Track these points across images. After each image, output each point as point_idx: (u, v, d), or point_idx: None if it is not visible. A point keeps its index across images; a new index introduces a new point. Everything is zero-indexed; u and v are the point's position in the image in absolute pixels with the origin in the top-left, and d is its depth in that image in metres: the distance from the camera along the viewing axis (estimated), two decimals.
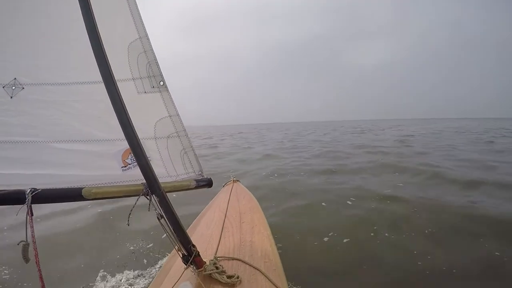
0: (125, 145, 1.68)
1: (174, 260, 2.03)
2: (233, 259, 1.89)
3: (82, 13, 1.50)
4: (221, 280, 1.62)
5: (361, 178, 7.93)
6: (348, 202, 5.69)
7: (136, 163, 1.69)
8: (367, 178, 8.04)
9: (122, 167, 1.80)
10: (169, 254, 2.30)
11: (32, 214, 1.51)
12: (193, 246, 1.64)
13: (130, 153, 1.78)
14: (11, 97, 1.82)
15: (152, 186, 1.54)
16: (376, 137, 24.91)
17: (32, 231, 1.46)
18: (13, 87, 1.82)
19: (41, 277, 1.42)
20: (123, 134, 1.53)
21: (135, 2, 1.91)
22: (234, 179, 4.00)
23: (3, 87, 1.81)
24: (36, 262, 1.42)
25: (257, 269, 1.76)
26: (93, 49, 1.51)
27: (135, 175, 1.73)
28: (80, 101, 1.85)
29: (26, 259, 1.49)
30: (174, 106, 1.88)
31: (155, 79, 1.87)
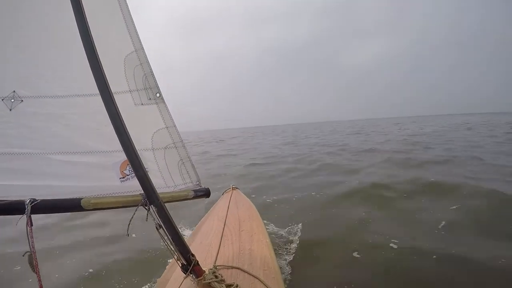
0: (123, 156, 1.71)
1: (173, 270, 2.04)
2: (232, 267, 1.91)
3: (78, 27, 1.54)
4: None
5: (391, 207, 5.57)
6: (392, 245, 3.85)
7: (134, 174, 1.72)
8: (400, 203, 5.77)
9: (120, 178, 1.83)
10: (168, 264, 2.32)
11: (31, 224, 1.54)
12: (192, 255, 1.66)
13: (128, 164, 1.80)
14: (10, 110, 1.85)
15: (150, 196, 1.57)
16: (383, 137, 22.06)
17: (32, 241, 1.49)
18: (12, 100, 1.85)
19: (41, 287, 1.45)
20: (120, 146, 1.57)
21: (130, 15, 1.95)
22: (233, 186, 4.01)
23: (2, 99, 1.84)
24: (36, 272, 1.45)
25: (256, 278, 1.78)
26: (89, 62, 1.55)
27: (134, 186, 1.75)
28: (78, 114, 1.88)
29: (33, 269, 1.52)
30: (171, 117, 1.91)
31: (151, 91, 1.91)
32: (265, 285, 1.71)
